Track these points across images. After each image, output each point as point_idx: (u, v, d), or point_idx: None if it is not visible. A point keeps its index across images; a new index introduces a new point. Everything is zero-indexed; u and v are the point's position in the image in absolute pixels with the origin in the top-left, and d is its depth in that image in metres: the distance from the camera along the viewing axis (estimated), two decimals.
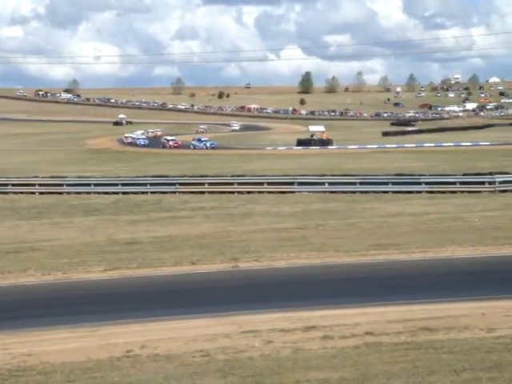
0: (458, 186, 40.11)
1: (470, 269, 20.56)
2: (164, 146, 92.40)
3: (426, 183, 40.66)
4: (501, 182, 39.70)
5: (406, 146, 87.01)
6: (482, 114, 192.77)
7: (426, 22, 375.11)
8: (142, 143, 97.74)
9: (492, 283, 18.62)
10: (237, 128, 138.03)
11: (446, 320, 14.86)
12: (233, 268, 21.63)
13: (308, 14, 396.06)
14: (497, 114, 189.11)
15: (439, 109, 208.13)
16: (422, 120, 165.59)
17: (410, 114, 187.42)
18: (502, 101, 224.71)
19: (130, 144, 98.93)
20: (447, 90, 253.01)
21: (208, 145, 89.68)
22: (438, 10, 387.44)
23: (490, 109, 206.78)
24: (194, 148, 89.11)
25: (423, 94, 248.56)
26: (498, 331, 13.87)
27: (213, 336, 14.36)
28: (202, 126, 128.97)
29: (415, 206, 34.85)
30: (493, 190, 39.37)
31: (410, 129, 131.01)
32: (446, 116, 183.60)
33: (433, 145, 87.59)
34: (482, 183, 40.05)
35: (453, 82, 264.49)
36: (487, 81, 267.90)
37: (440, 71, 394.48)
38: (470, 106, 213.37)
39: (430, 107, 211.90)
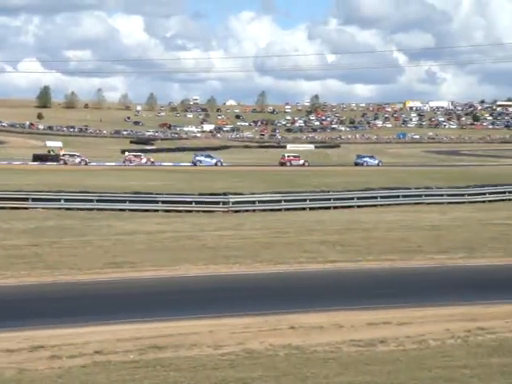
0: (193, 205, 40.89)
1: (201, 287, 21.02)
2: None
3: (163, 202, 41.06)
4: (234, 203, 41.01)
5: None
6: (218, 135, 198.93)
7: (167, 42, 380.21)
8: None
9: (221, 301, 19.14)
10: None
11: (175, 338, 15.09)
12: None
13: (47, 27, 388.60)
14: (233, 136, 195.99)
15: (178, 129, 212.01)
16: (162, 139, 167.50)
17: (150, 133, 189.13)
18: (238, 123, 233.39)
19: None
20: (186, 110, 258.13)
21: None
22: (178, 31, 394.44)
23: (227, 131, 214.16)
24: None
25: (163, 113, 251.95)
26: (224, 348, 14.29)
27: None
28: None
29: (151, 225, 35.10)
30: (226, 209, 40.55)
31: (149, 147, 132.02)
32: (184, 136, 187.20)
33: (171, 164, 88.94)
34: (217, 203, 41.14)
35: (191, 102, 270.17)
36: (224, 103, 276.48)
37: (180, 91, 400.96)
38: (208, 127, 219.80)
39: (170, 127, 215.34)
